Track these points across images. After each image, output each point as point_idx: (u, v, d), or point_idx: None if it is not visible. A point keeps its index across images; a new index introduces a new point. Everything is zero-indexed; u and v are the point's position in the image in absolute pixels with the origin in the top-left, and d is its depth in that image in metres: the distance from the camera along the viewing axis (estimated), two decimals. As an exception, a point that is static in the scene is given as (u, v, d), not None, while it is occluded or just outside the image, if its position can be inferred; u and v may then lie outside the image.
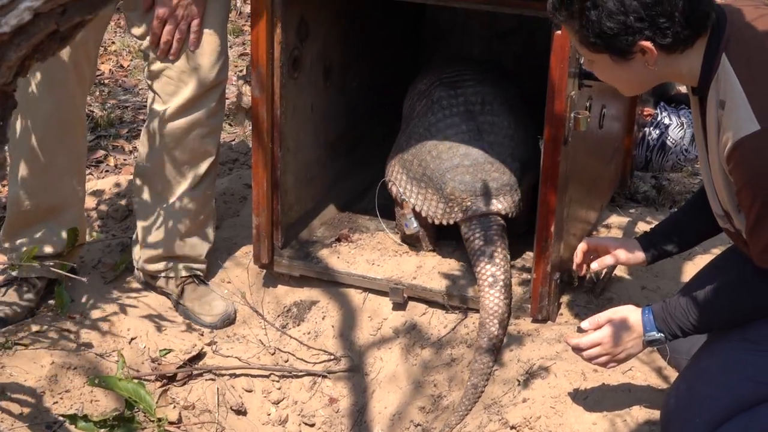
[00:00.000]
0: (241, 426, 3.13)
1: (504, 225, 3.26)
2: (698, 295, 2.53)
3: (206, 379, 3.19)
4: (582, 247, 2.95)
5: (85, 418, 2.61)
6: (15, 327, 3.02)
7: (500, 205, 3.25)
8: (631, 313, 2.60)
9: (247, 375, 3.25)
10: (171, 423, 2.91)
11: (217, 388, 3.17)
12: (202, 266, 3.44)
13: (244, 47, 6.58)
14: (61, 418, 2.71)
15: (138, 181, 3.36)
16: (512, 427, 2.78)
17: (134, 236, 3.46)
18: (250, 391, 3.25)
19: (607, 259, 2.90)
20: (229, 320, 3.41)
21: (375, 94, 3.97)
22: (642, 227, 3.81)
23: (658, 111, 4.43)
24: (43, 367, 2.94)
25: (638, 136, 4.26)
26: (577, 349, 2.66)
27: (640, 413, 2.73)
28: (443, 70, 3.48)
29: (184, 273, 3.40)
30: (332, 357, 3.32)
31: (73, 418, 2.60)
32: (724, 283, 2.55)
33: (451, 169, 3.24)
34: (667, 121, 4.43)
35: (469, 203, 3.23)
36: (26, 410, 2.76)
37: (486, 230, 3.23)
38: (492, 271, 3.15)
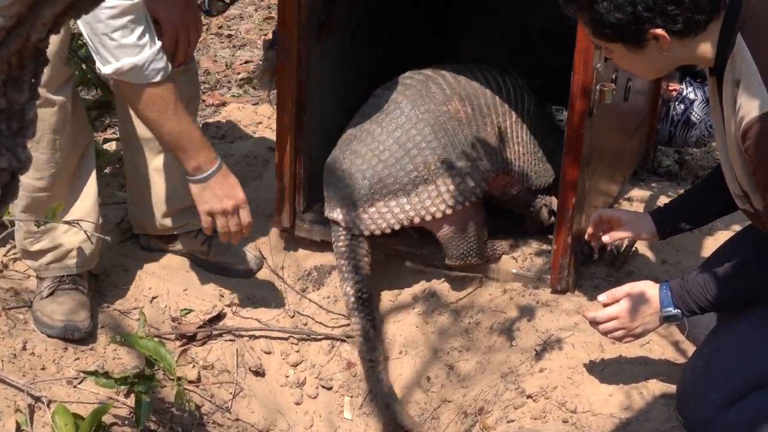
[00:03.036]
0: (260, 387, 3.15)
1: (349, 239, 3.18)
2: (716, 272, 2.53)
3: (225, 340, 3.21)
4: (595, 217, 2.96)
5: (106, 374, 2.62)
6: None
7: (338, 216, 3.20)
8: (649, 289, 2.60)
9: (266, 337, 3.27)
10: (190, 382, 2.93)
11: (236, 349, 3.19)
12: None
13: (269, 11, 6.56)
14: (82, 375, 2.73)
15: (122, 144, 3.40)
16: (528, 396, 2.79)
17: (129, 203, 3.47)
18: (268, 353, 3.27)
19: (619, 233, 2.90)
20: (260, 265, 3.45)
21: (401, 62, 3.96)
22: (663, 201, 3.80)
23: (684, 86, 4.40)
24: (66, 324, 2.97)
25: (663, 111, 4.23)
26: (594, 323, 2.67)
27: (656, 387, 2.73)
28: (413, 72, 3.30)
29: None
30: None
31: (94, 375, 2.61)
32: (742, 261, 2.54)
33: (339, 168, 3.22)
34: (692, 96, 4.40)
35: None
36: (49, 365, 2.78)
37: (335, 241, 3.24)
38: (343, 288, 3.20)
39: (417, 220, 3.11)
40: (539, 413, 2.71)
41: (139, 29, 2.65)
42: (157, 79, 2.71)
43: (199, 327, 3.19)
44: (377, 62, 3.76)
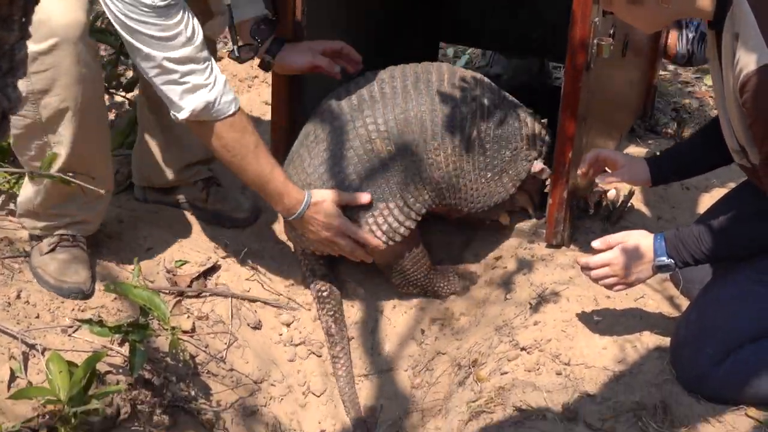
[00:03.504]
0: (254, 339, 3.16)
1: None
2: (712, 224, 2.54)
3: (219, 295, 3.22)
4: (591, 156, 2.96)
5: (101, 323, 2.62)
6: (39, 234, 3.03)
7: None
8: (644, 238, 2.61)
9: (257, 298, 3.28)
10: (184, 332, 2.94)
11: (231, 301, 3.19)
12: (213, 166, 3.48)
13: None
14: (77, 323, 2.74)
15: (141, 98, 3.39)
16: (522, 349, 2.81)
17: (136, 156, 3.47)
18: (263, 308, 3.28)
19: (612, 177, 2.92)
20: (257, 215, 3.49)
21: (401, 14, 3.95)
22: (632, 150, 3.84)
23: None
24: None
25: (676, 36, 4.22)
26: (586, 268, 2.69)
27: (650, 339, 2.75)
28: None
29: (206, 174, 3.43)
30: (347, 280, 3.35)
31: (88, 323, 2.62)
32: (738, 214, 2.56)
33: None
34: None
35: None
36: (43, 314, 2.79)
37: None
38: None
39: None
40: (533, 365, 2.73)
41: (206, 68, 2.70)
42: (231, 110, 2.75)
43: (194, 279, 3.19)
44: (374, 13, 3.75)
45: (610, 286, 2.67)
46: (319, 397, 3.18)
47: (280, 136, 3.42)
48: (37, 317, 2.76)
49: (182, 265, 3.22)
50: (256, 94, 4.39)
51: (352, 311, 3.32)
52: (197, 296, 3.15)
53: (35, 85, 2.60)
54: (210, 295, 3.18)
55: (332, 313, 3.21)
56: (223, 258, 3.32)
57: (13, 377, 2.51)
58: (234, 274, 3.28)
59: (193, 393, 2.85)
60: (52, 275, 2.88)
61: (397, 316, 3.30)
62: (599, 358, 2.70)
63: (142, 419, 2.66)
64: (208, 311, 3.11)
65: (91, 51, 2.71)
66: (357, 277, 3.36)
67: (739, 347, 2.51)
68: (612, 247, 2.64)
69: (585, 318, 2.85)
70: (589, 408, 2.51)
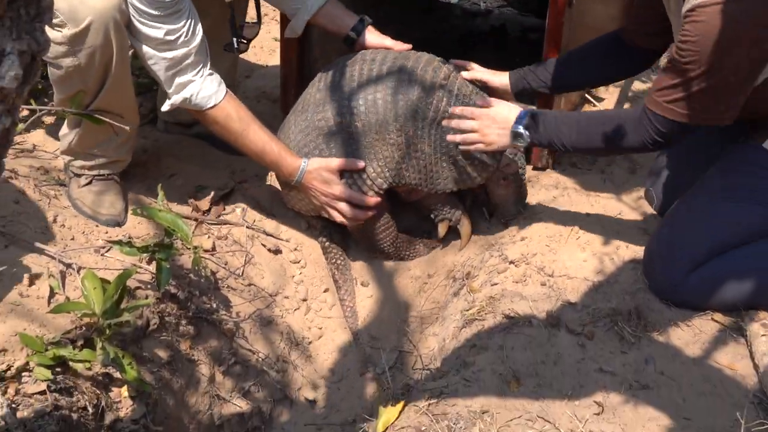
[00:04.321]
0: (268, 258, 3.24)
1: None
2: (574, 116, 2.67)
3: (238, 223, 3.32)
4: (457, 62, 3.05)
5: (130, 243, 2.71)
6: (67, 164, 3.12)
7: None
8: (513, 108, 2.74)
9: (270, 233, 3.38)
10: (205, 251, 3.03)
11: (247, 225, 3.29)
12: None
13: None
14: (109, 244, 2.84)
15: None
16: (511, 262, 2.89)
17: (159, 92, 3.51)
18: (276, 228, 3.37)
19: (476, 73, 3.03)
20: None
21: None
22: (638, 87, 3.87)
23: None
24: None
25: None
26: (454, 116, 2.81)
27: (626, 252, 2.84)
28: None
29: None
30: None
31: (119, 244, 2.71)
32: (605, 113, 2.69)
33: None
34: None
35: None
36: (78, 236, 2.89)
37: None
38: None
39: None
40: (520, 277, 2.82)
41: (193, 69, 2.83)
42: (210, 104, 2.87)
43: (213, 204, 3.29)
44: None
45: (470, 143, 2.78)
46: (330, 309, 3.29)
47: (290, 69, 3.49)
48: (72, 239, 2.85)
49: (202, 191, 3.32)
50: (266, 31, 4.42)
51: (357, 253, 3.40)
52: (216, 222, 3.24)
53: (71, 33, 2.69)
54: (229, 215, 3.27)
55: (335, 260, 3.29)
56: (239, 183, 3.42)
57: (52, 294, 2.59)
58: (250, 199, 3.38)
59: (214, 305, 2.95)
60: (90, 207, 3.00)
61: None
62: (580, 269, 2.78)
63: (169, 329, 2.77)
64: (226, 232, 3.20)
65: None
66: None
67: (707, 260, 2.58)
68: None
69: (567, 234, 2.93)
70: (570, 315, 2.59)
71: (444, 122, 2.82)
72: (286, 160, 2.99)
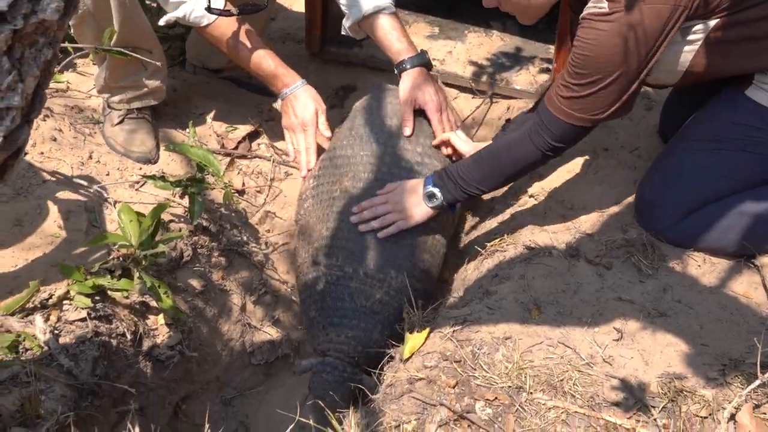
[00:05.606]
0: (293, 192, 3.24)
1: None
2: (477, 153, 2.55)
3: (264, 155, 3.30)
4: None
5: (163, 178, 2.71)
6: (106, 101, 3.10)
7: None
8: (418, 180, 2.63)
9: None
10: (235, 189, 3.03)
11: (273, 161, 3.27)
12: None
13: None
14: (143, 179, 2.83)
15: None
16: (531, 196, 2.89)
17: (191, 41, 3.49)
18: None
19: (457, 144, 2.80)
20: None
21: None
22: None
23: None
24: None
25: None
26: (363, 209, 2.63)
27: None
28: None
29: None
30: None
31: (153, 178, 2.71)
32: (498, 141, 2.56)
33: None
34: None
35: None
36: (113, 172, 2.88)
37: None
38: None
39: None
40: (541, 210, 2.80)
41: None
42: (203, 23, 2.83)
43: (240, 141, 3.27)
44: None
45: (390, 223, 2.61)
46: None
47: (313, 12, 3.44)
48: (108, 175, 2.84)
49: (232, 131, 3.30)
50: (290, -26, 4.38)
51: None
52: (244, 157, 3.23)
53: None
54: (254, 157, 3.26)
55: None
56: (266, 121, 3.40)
57: (90, 226, 2.60)
58: (277, 137, 3.35)
59: (245, 238, 2.95)
60: (122, 145, 2.98)
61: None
62: (598, 202, 2.75)
63: (202, 261, 2.78)
64: (255, 168, 3.19)
65: None
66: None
67: (699, 208, 2.51)
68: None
69: (586, 170, 2.91)
70: (589, 246, 2.57)
71: (353, 219, 2.64)
72: (283, 74, 2.93)
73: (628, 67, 2.22)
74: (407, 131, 2.80)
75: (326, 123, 2.94)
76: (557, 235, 2.64)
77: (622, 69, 2.22)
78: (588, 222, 2.70)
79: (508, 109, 3.37)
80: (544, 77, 3.37)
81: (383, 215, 2.61)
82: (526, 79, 3.40)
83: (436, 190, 2.54)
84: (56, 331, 2.23)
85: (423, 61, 2.83)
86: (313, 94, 2.94)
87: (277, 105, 2.98)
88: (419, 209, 2.59)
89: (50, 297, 2.32)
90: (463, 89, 3.46)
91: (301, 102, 2.92)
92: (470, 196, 2.56)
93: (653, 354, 2.16)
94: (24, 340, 2.16)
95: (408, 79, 2.81)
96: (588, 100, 2.29)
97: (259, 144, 3.30)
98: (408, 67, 2.81)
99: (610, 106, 2.30)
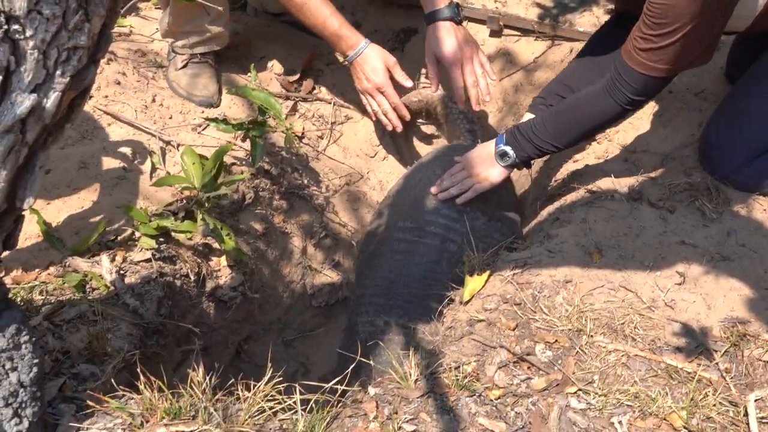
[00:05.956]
0: (352, 136, 3.24)
1: None
2: (552, 109, 2.48)
3: (325, 98, 3.30)
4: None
5: (225, 121, 2.72)
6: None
7: None
8: (490, 141, 2.58)
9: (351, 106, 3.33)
10: (296, 130, 3.03)
11: (333, 104, 3.27)
12: None
13: None
14: (205, 122, 2.84)
15: None
16: (593, 140, 2.85)
17: None
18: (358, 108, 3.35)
19: None
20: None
21: None
22: None
23: None
24: (187, 81, 3.06)
25: None
26: (441, 186, 2.64)
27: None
28: None
29: None
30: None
31: (215, 121, 2.72)
32: (574, 97, 2.47)
33: None
34: None
35: None
36: (176, 116, 2.90)
37: None
38: None
39: None
40: (602, 153, 2.77)
41: None
42: None
43: (300, 84, 3.27)
44: None
45: (467, 189, 2.61)
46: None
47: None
48: (171, 118, 2.87)
49: (292, 72, 3.29)
50: None
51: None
52: (305, 100, 3.23)
53: None
54: (315, 100, 3.26)
55: None
56: (327, 65, 3.39)
57: (153, 169, 2.62)
58: (338, 78, 3.35)
59: (305, 181, 2.96)
60: (184, 89, 3.00)
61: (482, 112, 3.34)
62: (661, 145, 2.71)
63: (263, 204, 2.80)
64: (315, 111, 3.19)
65: None
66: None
67: (766, 152, 2.48)
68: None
69: (650, 111, 2.85)
70: (652, 189, 2.54)
71: (433, 190, 2.66)
72: (347, 35, 2.91)
73: (708, 14, 2.15)
74: (432, 89, 2.88)
75: (403, 73, 2.93)
76: (619, 178, 2.61)
77: (702, 16, 2.16)
78: (651, 165, 2.66)
79: (571, 51, 3.31)
80: (608, 18, 3.30)
81: (460, 182, 2.62)
82: (589, 20, 3.33)
83: (508, 149, 2.51)
84: (122, 272, 2.26)
85: (448, 15, 2.84)
86: (378, 51, 2.92)
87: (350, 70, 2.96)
88: (494, 170, 2.57)
89: (116, 238, 2.35)
90: (525, 32, 3.40)
91: (370, 64, 2.91)
92: (545, 154, 2.53)
93: (716, 298, 2.13)
94: (91, 280, 2.19)
95: (431, 32, 2.86)
96: (668, 50, 2.22)
97: (320, 87, 3.29)
98: (434, 19, 2.84)
99: (690, 55, 2.24)
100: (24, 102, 1.30)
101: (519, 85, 3.29)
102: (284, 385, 1.76)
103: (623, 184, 2.58)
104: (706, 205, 2.45)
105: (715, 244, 2.31)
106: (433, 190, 2.65)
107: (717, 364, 1.96)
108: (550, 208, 2.66)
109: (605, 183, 2.60)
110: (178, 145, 2.71)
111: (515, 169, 2.59)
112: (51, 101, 1.34)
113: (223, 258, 2.58)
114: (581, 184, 2.65)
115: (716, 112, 2.62)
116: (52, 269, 2.20)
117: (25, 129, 1.34)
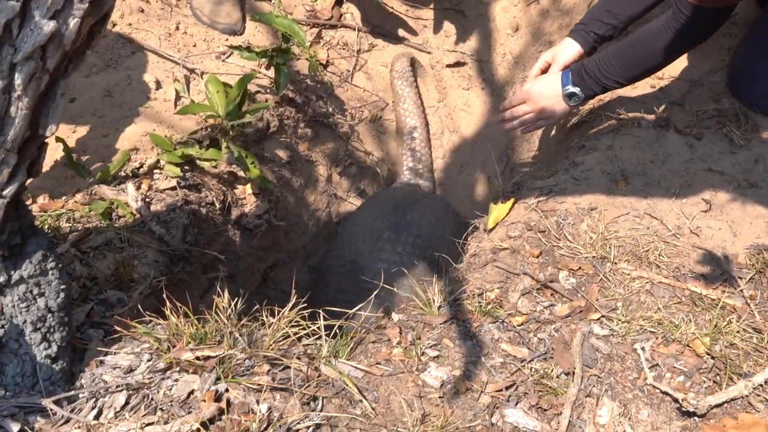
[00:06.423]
0: (378, 65, 3.21)
1: None
2: (616, 46, 2.42)
3: (350, 25, 3.26)
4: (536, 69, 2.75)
5: (249, 49, 2.69)
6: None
7: None
8: (554, 76, 2.52)
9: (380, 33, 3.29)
10: (320, 61, 3.00)
11: (358, 33, 3.23)
12: None
13: None
14: (229, 49, 2.82)
15: None
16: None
17: None
18: (384, 37, 3.32)
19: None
20: None
21: None
22: None
23: None
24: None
25: None
26: (505, 111, 2.60)
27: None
28: None
29: None
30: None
31: (239, 49, 2.69)
32: (638, 32, 2.41)
33: None
34: None
35: None
36: (199, 43, 2.87)
37: None
38: None
39: None
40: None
41: None
42: None
43: (317, 11, 3.23)
44: None
45: (531, 122, 2.59)
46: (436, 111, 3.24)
47: None
48: (194, 46, 2.84)
49: (316, 2, 3.24)
50: None
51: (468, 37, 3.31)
52: (330, 27, 3.19)
53: None
54: (340, 27, 3.22)
55: None
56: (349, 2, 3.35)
57: (177, 97, 2.61)
58: (363, 8, 3.30)
59: (330, 110, 2.94)
60: (208, 16, 2.97)
61: (509, 41, 3.29)
62: (690, 72, 2.66)
63: (288, 132, 2.79)
64: (340, 38, 3.16)
65: None
66: None
67: None
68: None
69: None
70: (679, 116, 2.50)
71: (499, 119, 2.64)
72: None
73: None
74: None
75: None
76: (646, 104, 2.57)
77: None
78: (679, 91, 2.62)
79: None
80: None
81: (522, 116, 2.60)
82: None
83: (576, 89, 2.48)
84: (147, 199, 2.26)
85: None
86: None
87: None
88: (560, 108, 2.54)
89: (141, 166, 2.35)
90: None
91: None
92: (609, 90, 2.50)
93: (742, 225, 2.11)
94: (117, 208, 2.20)
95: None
96: None
97: (344, 14, 3.25)
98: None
99: None
100: (43, 28, 1.29)
101: (545, 11, 3.23)
102: (309, 311, 1.77)
103: (650, 110, 2.54)
104: (734, 132, 2.41)
105: (742, 171, 2.28)
106: (499, 119, 2.64)
107: (741, 291, 1.94)
108: (575, 135, 2.63)
109: (632, 109, 2.57)
110: (202, 73, 2.69)
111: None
112: (70, 27, 1.33)
113: (248, 186, 2.58)
114: (608, 110, 2.61)
115: (744, 39, 2.57)
116: (78, 197, 2.21)
117: (45, 56, 1.33)
